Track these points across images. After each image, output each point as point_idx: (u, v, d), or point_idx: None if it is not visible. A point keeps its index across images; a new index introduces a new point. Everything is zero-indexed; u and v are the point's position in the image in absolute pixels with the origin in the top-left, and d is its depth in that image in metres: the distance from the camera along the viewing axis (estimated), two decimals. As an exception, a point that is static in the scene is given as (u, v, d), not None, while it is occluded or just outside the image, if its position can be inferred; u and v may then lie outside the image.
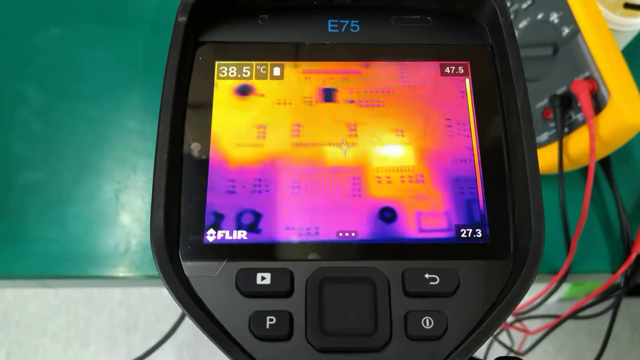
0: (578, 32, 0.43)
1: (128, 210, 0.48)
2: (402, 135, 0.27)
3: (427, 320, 0.23)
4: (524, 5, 0.47)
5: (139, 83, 0.52)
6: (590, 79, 0.42)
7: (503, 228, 0.25)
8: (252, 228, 0.25)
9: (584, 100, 0.42)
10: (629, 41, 0.50)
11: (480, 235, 0.25)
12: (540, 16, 0.46)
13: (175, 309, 0.99)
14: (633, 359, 1.00)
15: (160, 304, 1.04)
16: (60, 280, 0.48)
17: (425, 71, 0.28)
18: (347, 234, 0.25)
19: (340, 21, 0.29)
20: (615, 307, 0.49)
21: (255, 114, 0.27)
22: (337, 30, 0.28)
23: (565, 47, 0.44)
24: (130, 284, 0.49)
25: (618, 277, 0.46)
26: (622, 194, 0.48)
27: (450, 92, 0.27)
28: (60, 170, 0.49)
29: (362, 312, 0.23)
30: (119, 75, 0.53)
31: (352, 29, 0.29)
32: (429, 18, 0.29)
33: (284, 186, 0.26)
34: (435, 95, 0.27)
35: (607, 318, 0.49)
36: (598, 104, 0.42)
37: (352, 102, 0.27)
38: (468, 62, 0.28)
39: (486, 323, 0.23)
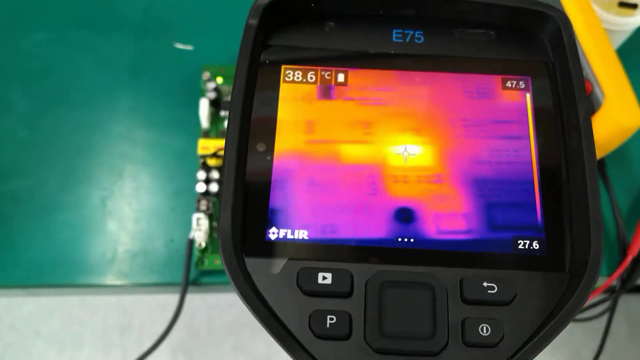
0: (572, 33, 0.42)
1: (115, 217, 0.47)
2: (464, 137, 0.27)
3: (484, 328, 0.23)
4: (517, 5, 0.46)
5: (125, 88, 0.51)
6: (584, 79, 0.41)
7: (560, 241, 0.26)
8: (311, 225, 0.26)
9: (578, 102, 0.41)
10: (624, 41, 0.49)
11: (537, 247, 0.26)
12: (533, 16, 0.45)
13: (170, 310, 0.98)
14: (630, 355, 1.00)
15: (155, 305, 1.03)
16: (48, 289, 0.47)
17: (486, 84, 0.28)
18: (406, 240, 0.25)
19: (405, 31, 0.29)
20: (612, 310, 0.48)
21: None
22: (401, 40, 0.29)
23: (559, 47, 0.43)
24: (118, 292, 0.49)
25: (614, 280, 0.45)
26: (617, 196, 0.47)
27: (510, 106, 0.28)
28: (46, 177, 0.48)
29: (421, 316, 0.24)
30: (105, 80, 0.52)
31: (416, 40, 0.29)
32: (492, 32, 0.29)
33: (343, 184, 0.26)
34: (496, 108, 0.28)
35: (603, 318, 0.49)
36: (592, 106, 0.41)
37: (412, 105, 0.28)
38: (529, 77, 0.28)
39: (543, 333, 0.23)
